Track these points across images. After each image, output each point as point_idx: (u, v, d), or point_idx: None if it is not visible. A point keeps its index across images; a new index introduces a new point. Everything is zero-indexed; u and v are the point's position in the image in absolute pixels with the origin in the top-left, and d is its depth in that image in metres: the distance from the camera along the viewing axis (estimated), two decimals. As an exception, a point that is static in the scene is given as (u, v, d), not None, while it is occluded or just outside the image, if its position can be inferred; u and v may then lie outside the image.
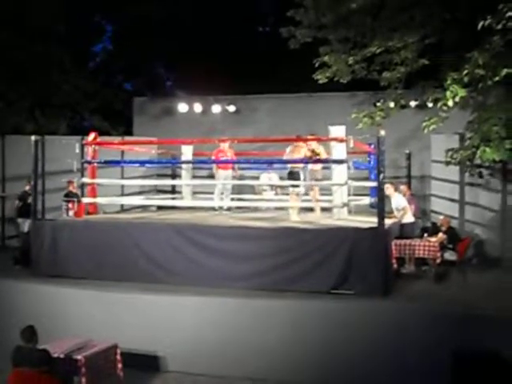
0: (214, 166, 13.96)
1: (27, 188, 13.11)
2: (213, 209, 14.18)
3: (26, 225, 13.36)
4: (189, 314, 9.73)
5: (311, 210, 13.08)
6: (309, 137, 12.40)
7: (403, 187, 13.45)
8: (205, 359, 9.50)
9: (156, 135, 16.29)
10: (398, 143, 15.04)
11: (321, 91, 15.86)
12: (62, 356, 8.08)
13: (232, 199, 14.35)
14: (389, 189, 12.07)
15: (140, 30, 22.73)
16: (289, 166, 12.26)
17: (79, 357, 8.09)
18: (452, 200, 14.27)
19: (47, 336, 8.22)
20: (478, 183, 13.22)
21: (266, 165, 14.97)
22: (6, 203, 15.99)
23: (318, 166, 12.60)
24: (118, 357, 8.76)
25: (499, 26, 9.72)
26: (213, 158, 13.90)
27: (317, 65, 13.32)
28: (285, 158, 12.47)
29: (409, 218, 12.35)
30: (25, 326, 7.67)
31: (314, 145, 12.33)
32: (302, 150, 12.19)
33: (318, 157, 12.27)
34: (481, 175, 12.01)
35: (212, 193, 14.13)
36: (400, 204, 12.23)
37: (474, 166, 11.75)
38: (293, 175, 12.06)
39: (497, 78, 10.04)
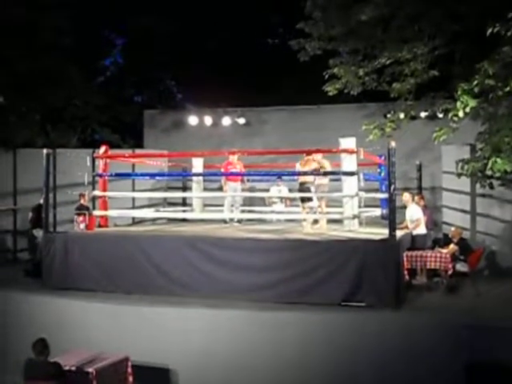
0: (223, 178, 14.01)
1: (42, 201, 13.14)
2: (223, 221, 14.20)
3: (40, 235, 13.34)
4: (200, 326, 9.71)
5: (316, 221, 13.05)
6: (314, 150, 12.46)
7: (417, 197, 13.38)
8: (216, 372, 9.46)
9: (166, 148, 16.34)
10: (408, 154, 15.01)
11: (331, 103, 15.87)
12: (73, 369, 8.08)
13: (242, 211, 14.36)
14: (406, 197, 12.09)
15: (150, 44, 22.84)
16: (299, 179, 12.30)
17: (90, 369, 8.09)
18: (463, 211, 14.20)
19: (58, 349, 8.25)
20: (489, 194, 13.14)
21: (276, 177, 14.98)
22: (18, 216, 16.03)
23: (325, 180, 12.58)
24: (130, 369, 8.76)
25: (509, 34, 9.71)
26: (222, 170, 13.97)
27: (326, 77, 13.34)
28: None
29: (421, 230, 12.27)
30: (36, 338, 7.70)
31: (318, 158, 12.36)
32: (313, 164, 12.20)
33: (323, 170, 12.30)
34: (491, 186, 11.95)
35: (222, 205, 14.16)
36: (414, 215, 12.15)
37: (484, 176, 11.70)
38: (303, 191, 12.10)
39: (508, 89, 10.02)
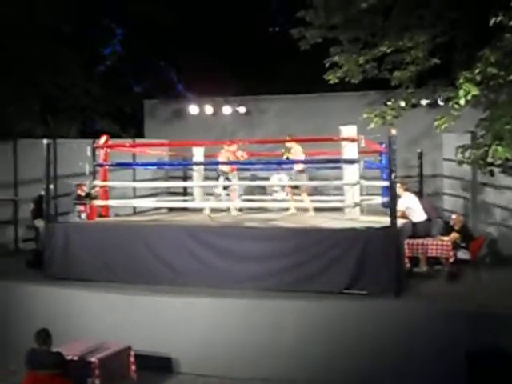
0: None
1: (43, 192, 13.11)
2: (221, 210, 14.14)
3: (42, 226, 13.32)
4: (201, 315, 9.74)
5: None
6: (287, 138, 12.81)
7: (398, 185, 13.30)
8: (218, 360, 9.49)
9: (167, 137, 16.31)
10: (409, 142, 14.96)
11: (331, 91, 15.82)
12: (75, 358, 8.12)
13: (243, 200, 14.33)
14: (398, 188, 12.09)
15: (149, 33, 22.77)
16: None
17: (93, 359, 8.12)
18: (465, 198, 14.21)
19: (61, 338, 8.26)
20: (490, 182, 13.13)
21: (276, 166, 14.93)
22: (20, 207, 16.00)
23: (301, 167, 12.78)
24: (132, 358, 8.80)
25: (511, 23, 9.65)
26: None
27: (327, 65, 13.28)
28: None
29: (420, 217, 12.25)
30: (39, 328, 7.71)
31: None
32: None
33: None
34: (492, 173, 11.92)
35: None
36: (401, 204, 12.02)
37: (485, 164, 11.67)
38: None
39: (511, 77, 9.97)
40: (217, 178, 13.23)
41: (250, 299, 9.72)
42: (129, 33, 24.97)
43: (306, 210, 13.30)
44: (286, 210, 13.61)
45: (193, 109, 17.71)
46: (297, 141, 13.07)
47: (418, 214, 12.25)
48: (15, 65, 17.04)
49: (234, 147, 13.27)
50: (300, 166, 12.87)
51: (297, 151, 12.85)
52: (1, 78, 16.81)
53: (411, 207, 12.16)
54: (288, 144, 12.88)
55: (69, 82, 19.37)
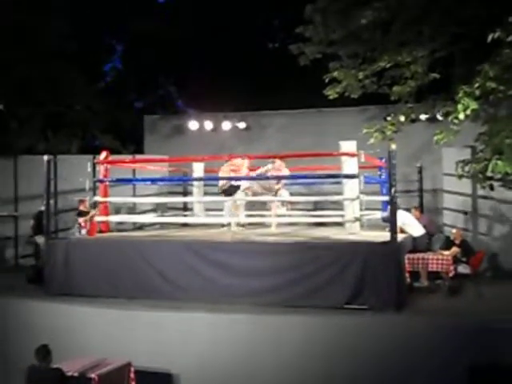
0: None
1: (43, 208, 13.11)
2: (222, 225, 14.15)
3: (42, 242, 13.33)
4: (202, 330, 9.70)
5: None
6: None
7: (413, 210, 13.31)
8: (219, 376, 9.44)
9: (167, 153, 16.32)
10: (409, 157, 15.00)
11: (331, 106, 15.86)
12: (75, 375, 8.08)
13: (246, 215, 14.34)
14: None
15: (150, 49, 22.88)
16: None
17: (93, 375, 8.08)
18: (465, 213, 14.20)
19: (61, 355, 8.23)
20: (490, 195, 13.14)
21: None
22: (20, 223, 16.01)
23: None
24: (132, 375, 8.76)
25: (509, 39, 9.71)
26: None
27: (327, 80, 13.33)
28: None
29: (418, 231, 12.25)
30: (39, 345, 7.69)
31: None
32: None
33: None
34: (492, 188, 11.94)
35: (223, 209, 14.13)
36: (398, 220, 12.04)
37: (485, 178, 11.69)
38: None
39: (510, 92, 10.02)
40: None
41: (251, 314, 9.68)
42: (129, 49, 25.09)
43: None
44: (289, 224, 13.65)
45: (193, 124, 17.74)
46: (295, 156, 13.18)
47: (416, 228, 12.25)
48: (17, 81, 17.11)
49: (239, 161, 13.35)
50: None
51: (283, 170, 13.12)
52: (2, 94, 16.88)
53: (407, 222, 12.15)
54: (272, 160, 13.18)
55: (70, 98, 19.43)
